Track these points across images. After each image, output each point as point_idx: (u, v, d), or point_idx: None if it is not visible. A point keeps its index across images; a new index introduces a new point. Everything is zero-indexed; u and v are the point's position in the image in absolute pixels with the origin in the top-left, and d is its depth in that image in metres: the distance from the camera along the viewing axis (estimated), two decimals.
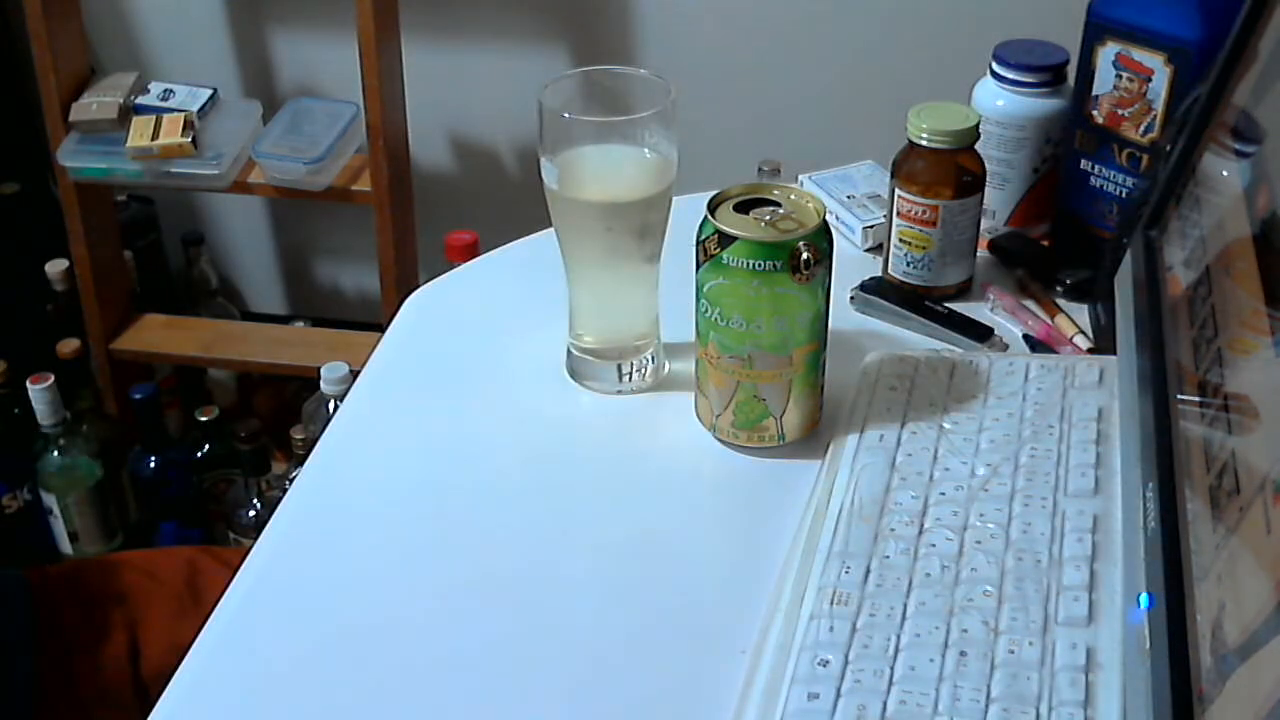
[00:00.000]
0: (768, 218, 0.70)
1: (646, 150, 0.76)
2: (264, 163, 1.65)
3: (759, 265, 0.69)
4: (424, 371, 0.85)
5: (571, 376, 0.83)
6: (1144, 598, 0.56)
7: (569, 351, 0.83)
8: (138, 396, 1.70)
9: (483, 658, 0.64)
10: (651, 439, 0.78)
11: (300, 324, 1.97)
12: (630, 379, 0.82)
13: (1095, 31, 0.85)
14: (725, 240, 0.69)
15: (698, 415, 0.77)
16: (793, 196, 0.72)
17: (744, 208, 0.71)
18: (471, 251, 1.57)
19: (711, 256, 0.70)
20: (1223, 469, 0.54)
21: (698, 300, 0.73)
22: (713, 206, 0.71)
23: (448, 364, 0.85)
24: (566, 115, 0.75)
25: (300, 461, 1.70)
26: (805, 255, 0.69)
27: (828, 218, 0.71)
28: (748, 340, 0.71)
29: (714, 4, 1.72)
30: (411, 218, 1.77)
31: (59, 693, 0.87)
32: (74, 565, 0.99)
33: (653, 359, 0.83)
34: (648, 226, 0.78)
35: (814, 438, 0.76)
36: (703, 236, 0.71)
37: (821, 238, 0.70)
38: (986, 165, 0.87)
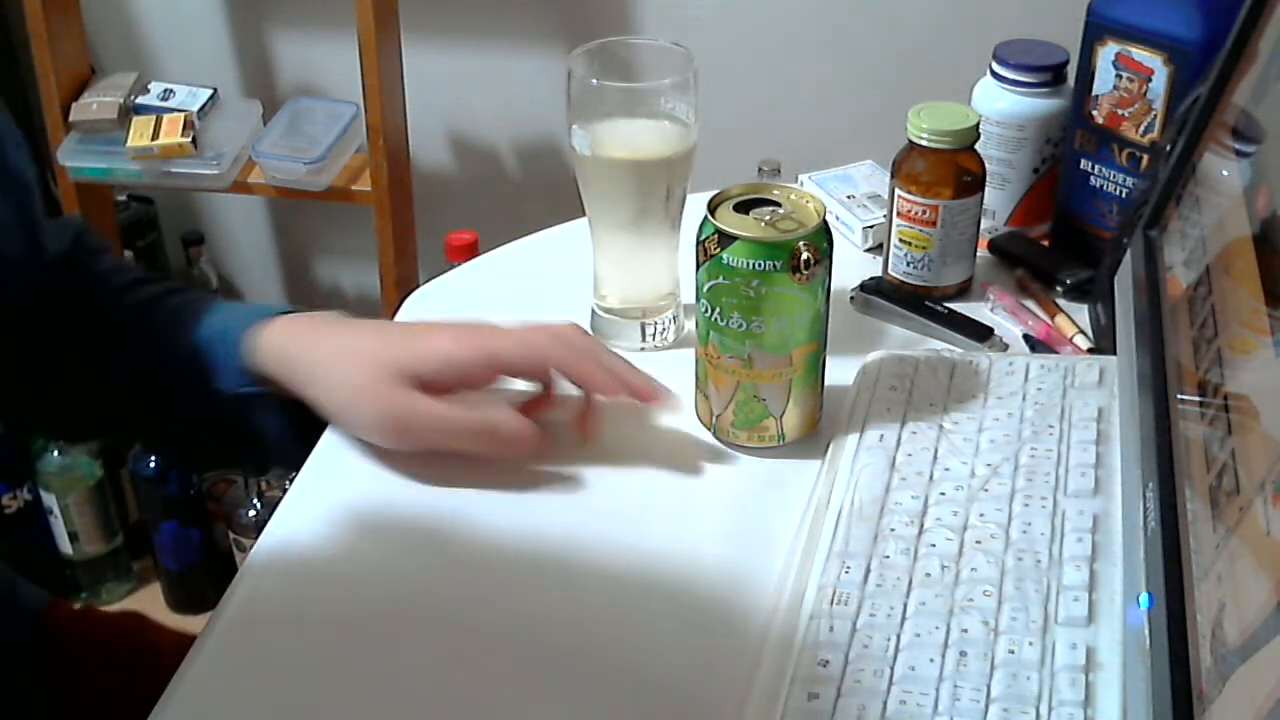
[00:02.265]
0: (768, 217, 0.70)
1: (668, 119, 0.80)
2: (264, 163, 1.65)
3: (759, 265, 0.69)
4: None
5: (594, 335, 0.85)
6: (1144, 598, 0.56)
7: (593, 312, 0.86)
8: None
9: (481, 657, 0.64)
10: (651, 437, 0.78)
11: None
12: (653, 337, 0.85)
13: (1095, 31, 0.85)
14: (725, 240, 0.69)
15: (697, 415, 0.77)
16: (793, 196, 0.72)
17: (744, 208, 0.71)
18: (471, 251, 1.57)
19: (711, 256, 0.70)
20: (1223, 469, 0.54)
21: (698, 300, 0.73)
22: (713, 206, 0.71)
23: None
24: (595, 82, 0.79)
25: None
26: (805, 255, 0.69)
27: (827, 218, 0.71)
28: (748, 340, 0.71)
29: (714, 4, 1.72)
30: (411, 218, 1.77)
31: None
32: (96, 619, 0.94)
33: (674, 318, 0.86)
34: (672, 187, 0.81)
35: (814, 438, 0.76)
36: (703, 236, 0.71)
37: (821, 238, 0.70)
38: (986, 165, 0.87)
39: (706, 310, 0.72)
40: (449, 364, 0.72)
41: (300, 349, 0.75)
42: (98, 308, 0.80)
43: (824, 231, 0.70)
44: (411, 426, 0.72)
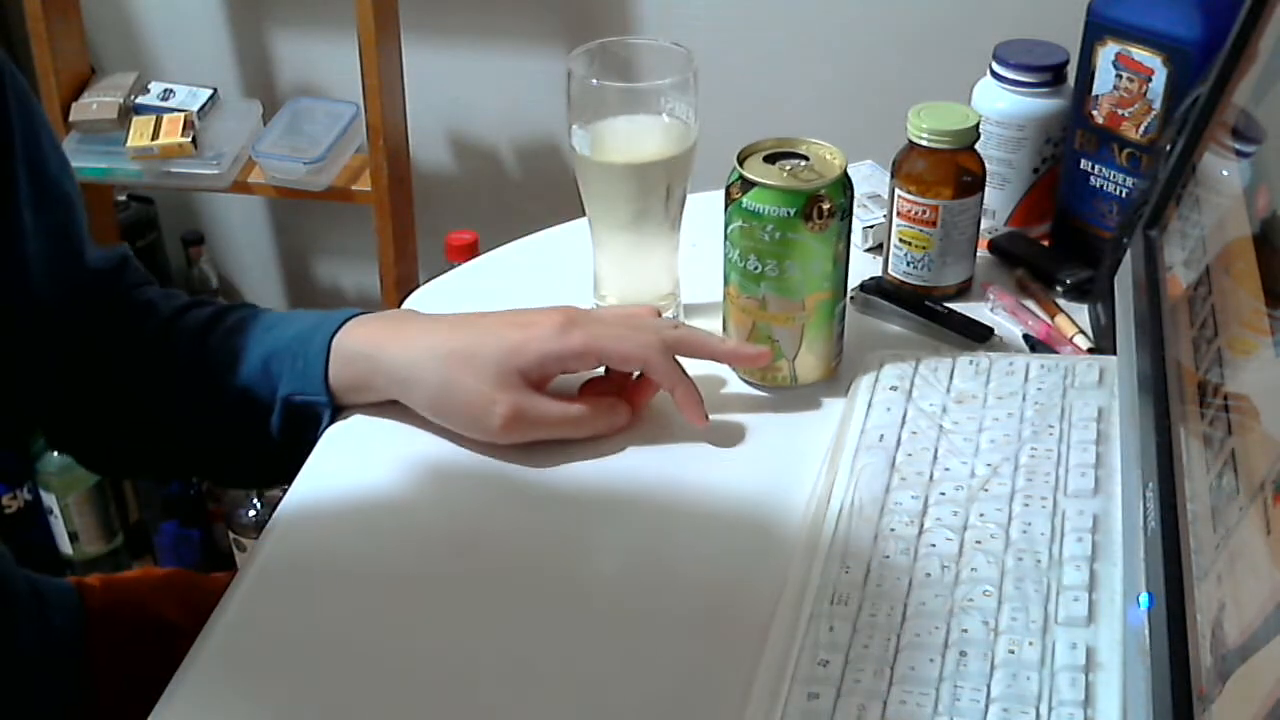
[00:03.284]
0: (789, 168, 0.74)
1: (667, 115, 0.81)
2: (264, 163, 1.65)
3: (774, 211, 0.73)
4: None
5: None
6: (1144, 598, 0.56)
7: None
8: None
9: (478, 654, 0.64)
10: (651, 435, 0.78)
11: None
12: None
13: (1095, 31, 0.85)
14: (746, 185, 0.74)
15: None
16: (821, 153, 0.76)
17: (774, 160, 0.76)
18: (471, 251, 1.57)
19: (734, 200, 0.75)
20: (1223, 469, 0.54)
21: (724, 241, 0.77)
22: (743, 156, 0.76)
23: None
24: (595, 82, 0.80)
25: None
26: (820, 205, 0.73)
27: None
28: (762, 282, 0.76)
29: (714, 4, 1.72)
30: (411, 218, 1.77)
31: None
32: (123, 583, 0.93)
33: (674, 317, 0.87)
34: (672, 187, 0.82)
35: (829, 387, 0.79)
36: (729, 181, 0.75)
37: (839, 191, 0.74)
38: (986, 165, 0.87)
39: (729, 252, 0.77)
40: (556, 359, 0.74)
41: (384, 352, 0.76)
42: (147, 339, 0.80)
43: (842, 185, 0.74)
44: (523, 426, 0.74)
